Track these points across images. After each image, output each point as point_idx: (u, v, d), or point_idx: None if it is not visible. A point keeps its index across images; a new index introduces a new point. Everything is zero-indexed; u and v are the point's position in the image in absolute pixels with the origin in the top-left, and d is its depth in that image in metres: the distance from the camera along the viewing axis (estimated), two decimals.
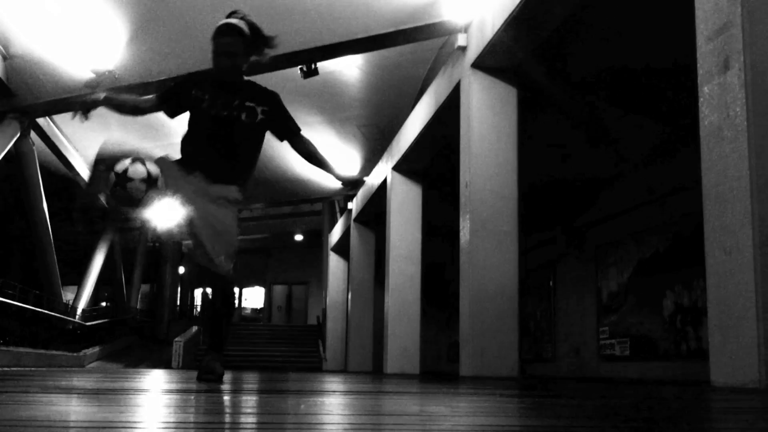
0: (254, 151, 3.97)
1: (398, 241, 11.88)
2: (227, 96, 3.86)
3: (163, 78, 11.62)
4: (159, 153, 3.94)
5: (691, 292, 10.37)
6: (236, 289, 3.82)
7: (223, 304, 3.94)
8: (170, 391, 2.97)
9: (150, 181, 3.50)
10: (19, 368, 11.18)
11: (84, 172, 18.70)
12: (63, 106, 13.95)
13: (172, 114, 3.99)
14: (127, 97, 4.05)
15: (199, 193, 3.72)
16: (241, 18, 3.85)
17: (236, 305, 4.05)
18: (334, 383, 4.62)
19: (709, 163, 4.13)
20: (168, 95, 4.01)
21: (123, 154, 3.59)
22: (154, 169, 3.53)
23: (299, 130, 4.02)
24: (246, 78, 4.02)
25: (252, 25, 3.86)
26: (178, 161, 3.89)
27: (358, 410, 2.05)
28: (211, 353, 3.94)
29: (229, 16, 3.88)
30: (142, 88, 12.28)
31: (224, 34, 3.81)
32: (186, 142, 3.96)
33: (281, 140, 4.03)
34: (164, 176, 3.57)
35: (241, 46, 3.82)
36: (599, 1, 7.35)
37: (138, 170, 3.48)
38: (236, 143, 3.87)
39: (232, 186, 3.84)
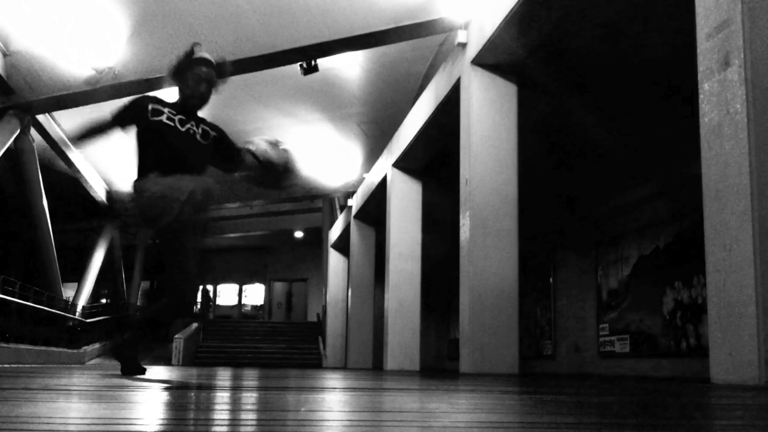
0: (205, 167, 4.25)
1: (398, 238, 11.89)
2: (184, 117, 4.15)
3: (162, 75, 11.61)
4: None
5: (691, 289, 10.37)
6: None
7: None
8: (170, 388, 2.97)
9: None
10: (19, 365, 11.19)
11: (84, 169, 18.71)
12: (63, 103, 13.95)
13: (123, 127, 4.22)
14: (91, 124, 4.24)
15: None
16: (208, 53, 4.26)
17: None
18: (334, 380, 4.62)
19: (710, 160, 4.13)
20: (124, 115, 4.21)
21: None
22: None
23: (239, 149, 4.23)
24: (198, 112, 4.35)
25: (218, 61, 4.26)
26: (140, 177, 4.09)
27: (358, 407, 2.05)
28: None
29: (193, 47, 4.26)
30: (142, 85, 12.28)
31: (203, 64, 4.18)
32: (146, 153, 4.13)
33: (223, 162, 4.30)
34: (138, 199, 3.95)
35: (215, 77, 4.20)
36: None
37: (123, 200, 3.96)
38: (192, 157, 4.13)
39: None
